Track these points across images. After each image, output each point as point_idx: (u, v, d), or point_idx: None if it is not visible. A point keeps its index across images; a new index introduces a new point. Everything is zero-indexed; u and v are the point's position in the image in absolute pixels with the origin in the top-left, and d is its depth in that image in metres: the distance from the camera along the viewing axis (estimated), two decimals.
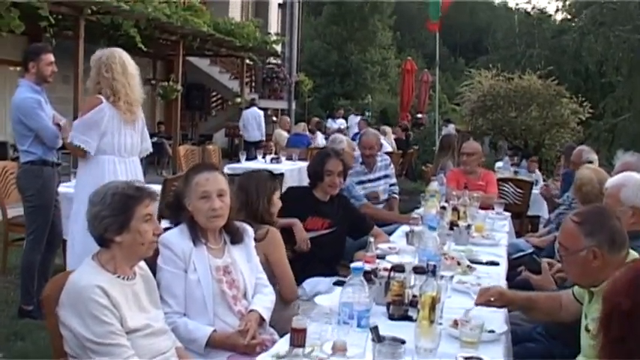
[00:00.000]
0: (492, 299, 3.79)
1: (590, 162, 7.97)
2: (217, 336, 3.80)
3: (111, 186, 3.41)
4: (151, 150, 6.59)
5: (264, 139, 19.32)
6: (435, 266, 3.75)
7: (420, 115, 26.12)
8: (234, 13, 26.68)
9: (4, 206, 7.94)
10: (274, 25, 28.32)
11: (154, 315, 3.46)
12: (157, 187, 6.96)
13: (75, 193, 6.10)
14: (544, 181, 11.83)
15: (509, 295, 3.91)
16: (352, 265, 3.45)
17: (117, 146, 5.96)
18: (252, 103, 21.04)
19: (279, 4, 29.04)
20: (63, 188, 7.34)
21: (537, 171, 12.64)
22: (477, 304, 3.78)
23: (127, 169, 6.04)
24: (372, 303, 3.64)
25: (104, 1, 14.26)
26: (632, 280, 2.21)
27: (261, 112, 20.62)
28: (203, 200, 3.91)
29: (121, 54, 6.04)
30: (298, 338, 3.00)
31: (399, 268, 3.82)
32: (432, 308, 3.32)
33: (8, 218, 7.95)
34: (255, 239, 4.42)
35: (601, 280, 3.37)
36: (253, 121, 19.83)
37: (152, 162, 19.15)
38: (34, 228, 6.76)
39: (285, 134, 17.17)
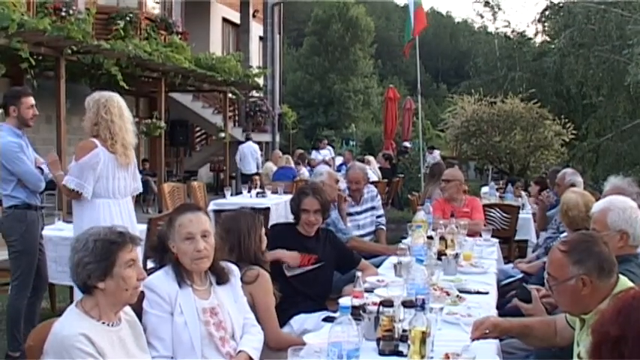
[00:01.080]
0: (487, 332, 3.77)
1: (573, 185, 7.97)
2: None
3: (93, 232, 3.36)
4: (141, 190, 6.73)
5: (260, 171, 19.47)
6: (424, 300, 3.72)
7: (406, 144, 26.12)
8: (215, 47, 26.76)
9: None
10: (255, 59, 28.37)
11: None
12: (143, 227, 6.97)
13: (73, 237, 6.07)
14: (536, 203, 11.83)
15: (504, 324, 3.90)
16: (340, 303, 3.42)
17: (111, 189, 6.09)
18: (247, 138, 22.31)
19: (260, 37, 29.12)
20: (47, 231, 7.29)
21: (523, 194, 12.63)
22: (473, 339, 3.75)
23: (121, 211, 6.18)
24: (362, 340, 3.61)
25: (84, 41, 14.27)
26: (619, 309, 2.20)
27: (257, 146, 21.71)
28: (187, 242, 3.86)
29: (119, 98, 6.22)
30: None
31: (387, 302, 3.78)
32: (423, 342, 3.31)
33: None
34: (245, 281, 4.40)
35: (591, 307, 3.36)
36: (249, 155, 20.84)
37: (137, 200, 19.04)
38: (19, 273, 6.70)
39: (274, 169, 17.16)
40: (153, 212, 16.96)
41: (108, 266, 3.25)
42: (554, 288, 3.57)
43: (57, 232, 7.55)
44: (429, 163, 18.80)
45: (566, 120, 19.48)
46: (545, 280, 3.71)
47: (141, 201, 19.31)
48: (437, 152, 28.29)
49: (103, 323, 3.28)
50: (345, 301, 3.64)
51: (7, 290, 7.28)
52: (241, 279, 4.40)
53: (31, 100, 6.74)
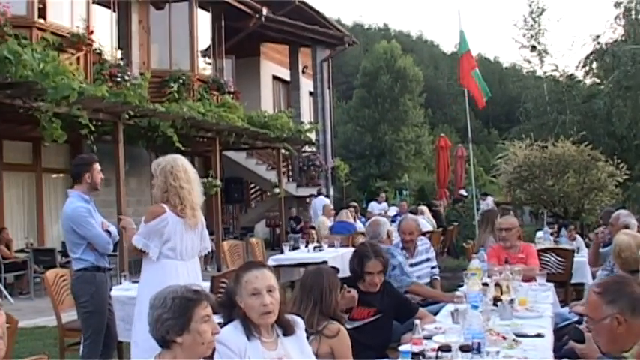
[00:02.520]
0: None
1: (627, 226, 8.05)
2: None
3: (170, 290, 3.61)
4: (209, 249, 6.87)
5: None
6: (479, 343, 3.90)
7: (462, 192, 26.20)
8: (267, 105, 27.18)
9: (58, 312, 8.15)
10: (306, 114, 28.74)
11: None
12: (206, 284, 7.19)
13: (138, 295, 6.31)
14: (586, 246, 11.86)
15: None
16: (401, 348, 3.60)
17: (179, 251, 6.22)
18: (319, 192, 23.93)
19: (310, 93, 29.49)
20: (115, 291, 7.56)
21: (578, 237, 12.68)
22: None
23: (188, 271, 6.29)
24: None
25: (141, 105, 14.70)
26: None
27: (328, 200, 22.60)
28: (254, 297, 4.08)
29: (183, 161, 6.35)
30: None
31: (445, 347, 3.97)
32: None
33: (63, 323, 8.16)
34: (326, 334, 4.67)
35: (629, 345, 3.51)
36: (321, 209, 20.74)
37: None
38: (90, 332, 6.98)
39: (328, 222, 17.35)
40: (211, 269, 17.21)
41: (185, 322, 3.48)
42: (592, 328, 3.74)
43: (124, 291, 7.80)
44: (483, 210, 18.85)
45: (619, 161, 19.41)
46: (584, 322, 3.88)
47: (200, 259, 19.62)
48: (490, 199, 28.25)
49: None
50: (405, 346, 3.82)
51: (79, 349, 7.56)
52: (322, 332, 4.67)
53: (98, 166, 7.11)
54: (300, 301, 4.85)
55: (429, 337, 5.01)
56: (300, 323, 4.39)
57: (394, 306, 6.09)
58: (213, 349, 3.92)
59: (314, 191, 26.63)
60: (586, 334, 4.70)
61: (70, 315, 8.49)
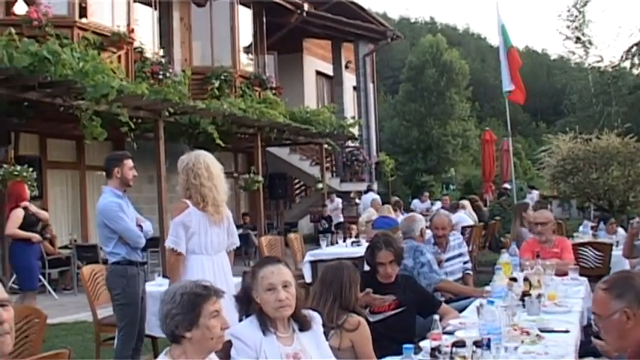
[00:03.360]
0: None
1: None
2: None
3: (180, 286, 3.67)
4: (238, 244, 6.94)
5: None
6: (489, 340, 3.88)
7: (506, 185, 26.00)
8: (310, 100, 27.25)
9: (94, 308, 8.26)
10: (350, 109, 28.74)
11: None
12: (239, 280, 7.24)
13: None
14: None
15: None
16: (421, 344, 3.61)
17: (204, 245, 6.36)
18: (368, 188, 24.68)
19: (354, 87, 29.49)
20: (148, 287, 7.65)
21: (620, 230, 12.51)
22: None
23: (214, 266, 6.42)
24: None
25: (181, 102, 14.81)
26: None
27: (378, 196, 22.36)
28: (269, 292, 4.11)
29: (206, 157, 6.45)
30: None
31: (460, 343, 3.97)
32: None
33: (99, 319, 8.27)
34: (347, 328, 4.71)
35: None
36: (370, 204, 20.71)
37: (239, 254, 19.49)
38: (123, 325, 7.11)
39: (375, 216, 17.33)
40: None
41: (194, 317, 3.52)
42: (600, 326, 3.71)
43: (157, 287, 7.90)
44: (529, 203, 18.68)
45: None
46: (592, 321, 3.85)
47: (242, 254, 19.74)
48: (535, 192, 28.04)
49: None
50: (425, 343, 3.81)
51: (113, 344, 7.68)
52: (342, 326, 4.70)
53: (131, 163, 7.22)
54: (320, 295, 4.89)
55: (451, 333, 5.01)
56: (317, 319, 4.40)
57: (416, 300, 6.11)
58: (229, 344, 3.98)
59: (358, 186, 26.65)
60: None
61: (106, 310, 8.62)
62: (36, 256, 10.99)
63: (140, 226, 7.25)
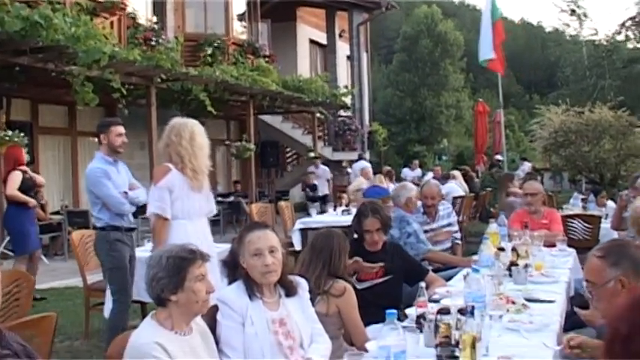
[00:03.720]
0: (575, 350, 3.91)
1: None
2: None
3: (166, 250, 3.69)
4: (215, 212, 6.99)
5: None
6: (473, 307, 3.90)
7: (498, 157, 26.06)
8: (303, 69, 27.21)
9: (84, 273, 8.29)
10: (343, 78, 28.69)
11: None
12: (228, 246, 7.26)
13: None
14: None
15: (591, 343, 3.98)
16: (387, 311, 3.63)
17: (186, 210, 6.39)
18: (360, 157, 24.65)
19: (347, 57, 29.42)
20: (137, 252, 7.67)
21: (609, 203, 12.55)
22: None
23: (196, 230, 6.45)
24: (419, 344, 3.84)
25: (173, 69, 14.78)
26: (630, 305, 2.20)
27: (368, 164, 22.06)
28: (256, 257, 4.12)
29: (194, 125, 6.49)
30: None
31: (444, 310, 3.99)
32: (473, 347, 3.49)
33: (88, 284, 8.31)
34: (333, 294, 4.75)
35: None
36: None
37: (230, 221, 19.56)
38: (115, 289, 7.14)
39: (365, 184, 17.35)
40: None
41: (179, 281, 3.53)
42: (594, 294, 3.71)
43: (146, 252, 7.91)
44: (520, 175, 18.73)
45: None
46: (584, 288, 3.85)
47: (233, 222, 19.80)
48: (527, 164, 28.09)
49: (176, 333, 3.56)
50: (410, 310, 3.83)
51: (102, 309, 7.71)
52: (329, 292, 4.74)
53: (120, 129, 7.19)
54: (309, 262, 4.91)
55: (437, 301, 5.04)
56: (302, 284, 4.43)
57: (403, 268, 6.15)
58: (215, 308, 4.01)
59: (350, 156, 26.67)
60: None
61: (96, 275, 8.65)
62: (30, 221, 10.97)
63: (125, 193, 7.24)
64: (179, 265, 3.55)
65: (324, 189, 21.82)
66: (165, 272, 3.53)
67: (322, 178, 21.83)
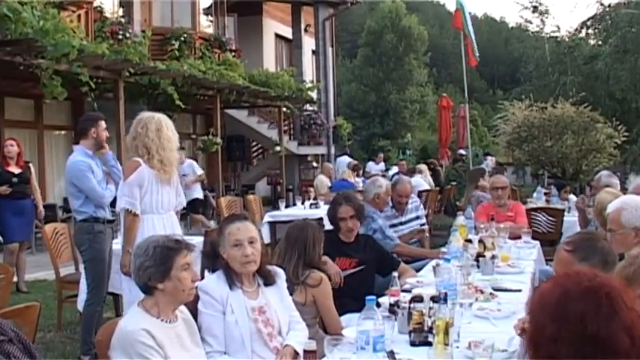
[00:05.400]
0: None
1: (608, 186, 8.17)
2: None
3: (153, 239, 3.81)
4: (184, 204, 7.16)
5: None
6: (446, 294, 4.06)
7: (461, 151, 26.31)
8: (269, 63, 27.26)
9: (56, 265, 8.36)
10: (309, 72, 28.76)
11: (195, 353, 3.82)
12: (200, 239, 7.38)
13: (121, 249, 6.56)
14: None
15: None
16: (367, 297, 3.78)
17: (155, 204, 6.49)
18: (343, 152, 25.53)
19: (313, 51, 29.49)
20: (115, 245, 7.76)
21: (572, 197, 12.81)
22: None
23: (165, 225, 6.53)
24: (393, 330, 4.00)
25: (141, 63, 14.80)
26: (557, 302, 2.10)
27: (350, 159, 22.59)
28: (236, 248, 4.26)
29: (162, 118, 6.58)
30: (309, 358, 3.39)
31: (418, 298, 4.16)
32: (446, 333, 3.65)
33: (61, 276, 8.38)
34: (309, 284, 4.90)
35: None
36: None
37: (197, 213, 19.60)
38: (91, 280, 7.19)
39: (327, 181, 17.50)
40: (214, 225, 17.42)
41: (166, 270, 3.67)
42: None
43: (119, 245, 8.01)
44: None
45: (618, 123, 19.49)
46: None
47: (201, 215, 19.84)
48: (491, 158, 28.36)
49: (162, 320, 3.69)
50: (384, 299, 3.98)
51: (75, 301, 7.80)
52: (304, 282, 4.89)
53: (104, 124, 7.29)
54: (285, 253, 5.04)
55: (408, 291, 5.21)
56: (280, 274, 4.57)
57: (376, 259, 6.33)
58: (196, 297, 4.14)
59: (316, 150, 26.82)
60: None
61: (68, 268, 8.74)
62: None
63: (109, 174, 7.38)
64: (166, 255, 3.68)
65: (193, 192, 16.32)
66: (152, 261, 3.66)
67: (190, 177, 16.20)
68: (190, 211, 16.16)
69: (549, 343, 2.05)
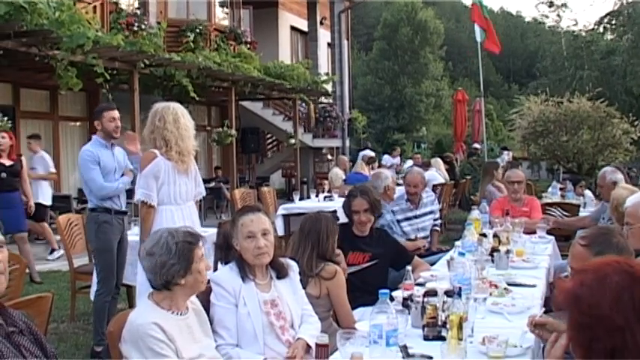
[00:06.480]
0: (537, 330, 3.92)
1: (615, 183, 8.10)
2: None
3: (169, 235, 3.71)
4: (204, 194, 7.09)
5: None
6: (460, 288, 4.04)
7: (476, 145, 26.22)
8: (284, 56, 27.20)
9: (70, 256, 8.37)
10: (324, 65, 28.72)
11: (205, 344, 3.80)
12: (214, 230, 7.36)
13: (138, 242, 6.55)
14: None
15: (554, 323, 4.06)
16: (380, 291, 3.74)
17: (173, 195, 6.46)
18: (365, 147, 24.97)
19: (328, 44, 29.45)
20: (130, 236, 7.74)
21: (587, 192, 12.75)
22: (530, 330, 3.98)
23: (184, 215, 6.52)
24: (407, 325, 3.97)
25: (156, 54, 14.80)
26: (613, 293, 2.08)
27: (373, 153, 22.31)
28: (249, 240, 4.24)
29: (177, 107, 6.55)
30: (321, 353, 3.36)
31: (431, 292, 4.12)
32: (460, 327, 3.62)
33: (74, 267, 8.38)
34: (323, 276, 4.85)
35: None
36: None
37: (211, 206, 19.65)
38: (99, 270, 7.21)
39: (342, 174, 17.47)
40: (226, 218, 17.42)
41: (188, 264, 3.64)
42: None
43: (133, 237, 7.96)
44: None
45: (635, 118, 19.40)
46: (569, 275, 3.95)
47: (214, 207, 19.88)
48: (507, 153, 28.26)
49: (173, 313, 3.66)
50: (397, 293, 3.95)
51: (88, 292, 7.80)
52: (319, 274, 4.85)
53: (114, 114, 7.25)
54: (299, 245, 5.00)
55: (422, 284, 5.18)
56: (293, 266, 4.55)
57: (389, 253, 6.28)
58: (208, 289, 4.13)
59: (331, 143, 26.79)
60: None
61: (81, 259, 8.74)
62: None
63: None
64: (188, 249, 3.65)
65: (39, 193, 12.85)
66: (176, 258, 3.62)
67: (38, 171, 13.27)
68: (34, 219, 12.22)
69: (613, 333, 2.04)
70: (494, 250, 6.34)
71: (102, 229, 7.13)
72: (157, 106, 6.57)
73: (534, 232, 8.01)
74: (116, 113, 7.27)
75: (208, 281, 4.02)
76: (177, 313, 3.69)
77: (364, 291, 5.62)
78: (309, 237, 5.01)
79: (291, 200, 14.19)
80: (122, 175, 7.34)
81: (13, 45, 12.02)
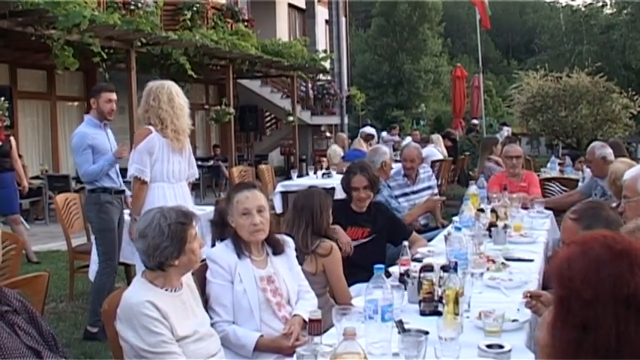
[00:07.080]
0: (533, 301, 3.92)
1: (604, 157, 8.07)
2: (264, 340, 4.11)
3: (162, 216, 3.66)
4: (197, 176, 7.13)
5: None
6: (456, 263, 4.02)
7: (475, 121, 26.19)
8: (282, 33, 27.13)
9: (68, 236, 8.35)
10: (322, 42, 28.64)
11: (200, 320, 3.78)
12: (211, 208, 7.34)
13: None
14: None
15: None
16: (375, 265, 3.73)
17: (166, 173, 6.47)
18: (365, 123, 24.53)
19: (326, 21, 29.36)
20: (127, 215, 7.73)
21: (587, 168, 12.73)
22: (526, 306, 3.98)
23: (176, 194, 6.54)
24: (403, 300, 3.96)
25: (153, 33, 14.74)
26: (589, 266, 2.03)
27: (373, 130, 21.27)
28: (244, 216, 4.23)
29: (171, 86, 6.53)
30: (314, 328, 3.36)
31: (428, 267, 4.11)
32: (456, 302, 3.61)
33: (73, 247, 8.38)
34: (319, 253, 4.85)
35: None
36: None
37: (210, 185, 19.65)
38: (102, 251, 7.17)
39: (340, 151, 17.45)
40: (225, 196, 17.41)
41: (181, 245, 3.61)
42: None
43: (129, 216, 7.99)
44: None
45: (634, 93, 19.34)
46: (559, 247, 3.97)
47: (213, 185, 19.88)
48: (507, 129, 28.24)
49: (167, 290, 3.64)
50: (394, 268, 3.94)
51: (87, 272, 7.80)
52: (315, 251, 4.85)
53: (110, 95, 7.20)
54: (293, 222, 4.99)
55: (419, 260, 5.16)
56: (289, 242, 4.54)
57: (387, 227, 6.27)
58: (204, 267, 4.12)
59: (329, 120, 26.74)
60: None
61: (80, 239, 8.74)
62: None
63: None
64: (181, 230, 3.62)
65: None
66: (170, 240, 3.58)
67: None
68: None
69: (585, 307, 1.99)
70: (491, 225, 6.32)
71: (103, 209, 7.11)
72: (150, 84, 6.55)
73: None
74: (114, 95, 7.24)
75: (204, 259, 4.01)
76: (172, 290, 3.68)
77: (362, 267, 5.59)
78: (302, 213, 5.00)
79: (289, 178, 14.19)
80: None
81: (8, 25, 11.99)
